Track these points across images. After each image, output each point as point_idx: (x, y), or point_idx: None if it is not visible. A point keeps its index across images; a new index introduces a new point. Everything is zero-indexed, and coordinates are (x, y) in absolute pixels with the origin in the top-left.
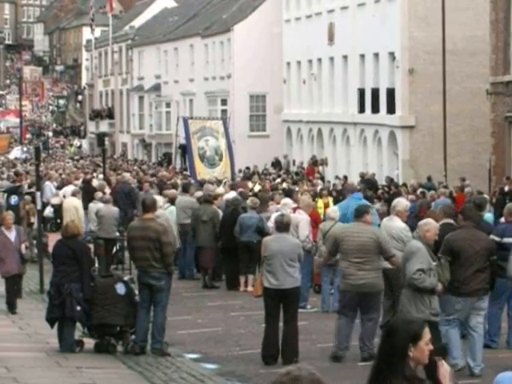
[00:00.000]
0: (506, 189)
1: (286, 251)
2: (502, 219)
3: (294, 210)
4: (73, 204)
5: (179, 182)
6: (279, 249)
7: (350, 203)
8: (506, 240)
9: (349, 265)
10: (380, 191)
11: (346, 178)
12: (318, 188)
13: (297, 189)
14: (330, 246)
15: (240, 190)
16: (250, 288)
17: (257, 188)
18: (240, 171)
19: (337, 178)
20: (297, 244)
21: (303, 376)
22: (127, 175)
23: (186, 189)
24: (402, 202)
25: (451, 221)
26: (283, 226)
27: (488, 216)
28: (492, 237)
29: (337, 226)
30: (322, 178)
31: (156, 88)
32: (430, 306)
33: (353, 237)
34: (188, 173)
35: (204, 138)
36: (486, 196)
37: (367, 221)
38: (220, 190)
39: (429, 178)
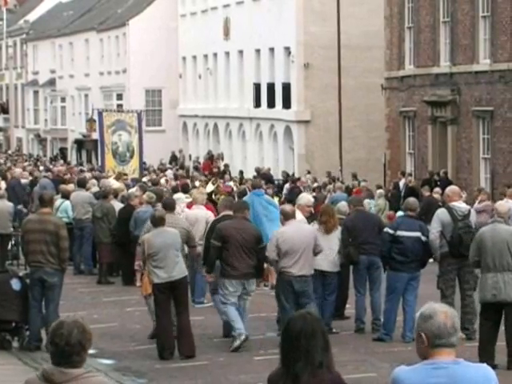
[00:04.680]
0: (401, 183)
1: (169, 244)
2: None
3: (190, 205)
4: None
5: (75, 177)
6: (163, 242)
7: (254, 199)
8: (399, 233)
9: None
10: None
11: (241, 172)
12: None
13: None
14: None
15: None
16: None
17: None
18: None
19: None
20: (176, 234)
21: (67, 322)
22: (18, 170)
23: (81, 184)
24: (305, 197)
25: (230, 212)
26: (158, 220)
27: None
28: (386, 229)
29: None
30: (221, 173)
31: (51, 83)
32: None
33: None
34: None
35: (117, 133)
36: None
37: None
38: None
39: (309, 172)
